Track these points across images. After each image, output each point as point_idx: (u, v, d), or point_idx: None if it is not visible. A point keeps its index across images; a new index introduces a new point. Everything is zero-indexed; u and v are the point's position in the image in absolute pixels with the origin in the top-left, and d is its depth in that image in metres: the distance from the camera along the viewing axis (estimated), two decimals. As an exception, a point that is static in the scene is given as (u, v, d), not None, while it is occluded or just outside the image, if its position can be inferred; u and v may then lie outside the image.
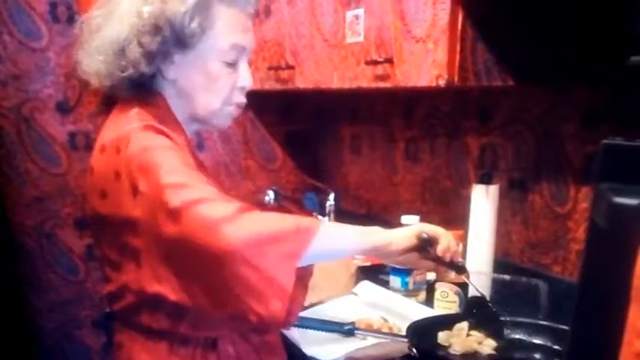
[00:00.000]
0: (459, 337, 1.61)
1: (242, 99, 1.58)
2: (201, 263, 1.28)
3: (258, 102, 3.08)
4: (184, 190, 1.28)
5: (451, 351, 1.57)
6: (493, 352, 1.56)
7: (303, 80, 2.35)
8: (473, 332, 1.63)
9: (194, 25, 1.44)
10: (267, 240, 1.26)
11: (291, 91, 2.51)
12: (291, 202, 2.81)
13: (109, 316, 1.56)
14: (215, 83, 1.51)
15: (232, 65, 1.52)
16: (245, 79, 1.55)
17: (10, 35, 2.63)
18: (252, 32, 1.56)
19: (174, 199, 1.27)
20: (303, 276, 1.35)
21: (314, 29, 2.23)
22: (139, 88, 1.51)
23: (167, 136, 1.41)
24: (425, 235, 1.53)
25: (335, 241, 1.44)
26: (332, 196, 2.77)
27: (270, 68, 2.55)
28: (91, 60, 1.50)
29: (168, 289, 1.34)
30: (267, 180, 3.14)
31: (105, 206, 1.42)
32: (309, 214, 2.81)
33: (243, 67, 1.55)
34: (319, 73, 2.24)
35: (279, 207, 2.71)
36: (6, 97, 2.66)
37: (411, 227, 1.56)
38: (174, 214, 1.27)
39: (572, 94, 1.85)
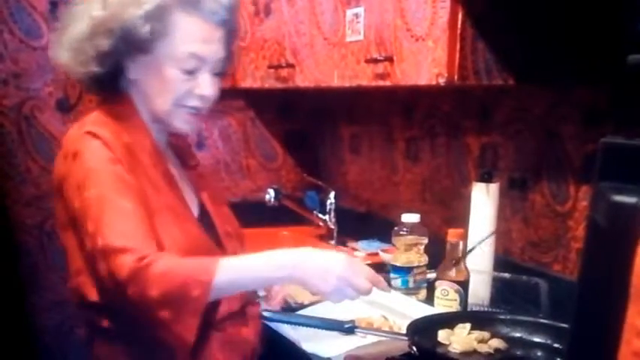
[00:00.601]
0: (460, 336, 1.61)
1: (197, 103, 1.57)
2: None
3: (258, 101, 3.09)
4: (100, 237, 1.37)
5: (451, 349, 1.57)
6: (491, 351, 1.56)
7: (303, 79, 2.35)
8: (475, 331, 1.63)
9: (146, 30, 1.46)
10: (166, 300, 1.34)
11: (291, 89, 2.51)
12: (291, 200, 2.81)
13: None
14: (168, 87, 1.53)
15: (190, 73, 1.52)
16: (204, 88, 1.55)
17: (10, 34, 2.62)
18: (217, 43, 1.55)
19: (97, 242, 1.37)
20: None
21: (314, 28, 2.24)
22: (105, 86, 1.57)
23: (111, 147, 1.45)
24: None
25: (239, 280, 1.45)
26: (332, 194, 2.77)
27: (270, 67, 2.55)
28: (61, 53, 1.56)
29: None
30: (268, 179, 3.14)
31: (59, 208, 1.53)
32: (309, 212, 2.81)
33: (204, 78, 1.55)
34: (319, 71, 2.24)
35: (279, 206, 2.70)
36: (6, 96, 2.66)
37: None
38: (96, 255, 1.38)
39: (573, 93, 1.85)
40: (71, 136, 1.53)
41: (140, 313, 1.37)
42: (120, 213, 1.40)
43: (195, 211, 1.66)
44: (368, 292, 1.50)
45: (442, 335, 1.60)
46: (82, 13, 1.52)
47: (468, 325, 1.63)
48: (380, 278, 1.54)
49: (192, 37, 1.51)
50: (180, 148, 1.77)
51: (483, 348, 1.57)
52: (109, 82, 1.57)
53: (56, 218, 1.56)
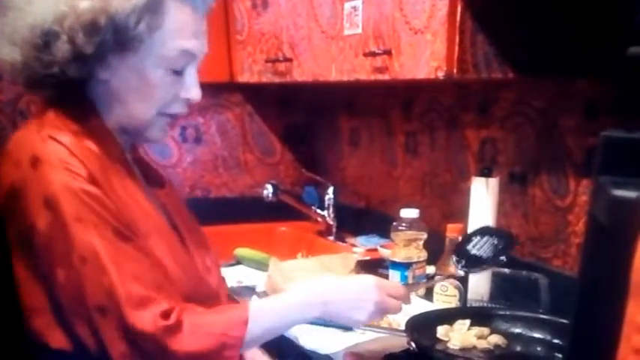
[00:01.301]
0: (459, 332, 1.60)
1: (181, 109, 1.38)
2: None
3: (256, 95, 3.08)
4: (106, 277, 1.18)
5: (450, 345, 1.56)
6: (491, 347, 1.55)
7: (301, 73, 2.34)
8: (474, 327, 1.62)
9: (142, 26, 1.23)
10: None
11: (289, 83, 2.49)
12: (289, 196, 2.80)
13: None
14: (153, 91, 1.31)
15: (178, 73, 1.32)
16: (191, 90, 1.35)
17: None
18: (204, 37, 1.35)
19: (96, 280, 1.18)
20: None
21: (312, 21, 2.22)
22: (64, 89, 1.29)
23: (79, 158, 1.21)
24: None
25: (272, 329, 1.35)
26: (331, 189, 2.76)
27: (267, 61, 2.53)
28: (4, 47, 1.26)
29: (78, 348, 1.23)
30: (266, 174, 3.13)
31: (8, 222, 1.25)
32: (307, 207, 2.80)
33: (191, 77, 1.34)
34: (317, 65, 2.22)
35: (278, 201, 2.69)
36: (1, 91, 2.64)
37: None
38: (91, 292, 1.18)
39: (573, 86, 1.83)
40: (26, 139, 1.26)
41: None
42: (121, 251, 1.21)
43: None
44: (399, 311, 1.46)
45: (441, 331, 1.59)
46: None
47: (467, 322, 1.62)
48: (406, 292, 1.48)
49: (184, 31, 1.29)
50: (143, 164, 1.52)
51: (482, 344, 1.56)
52: (71, 86, 1.29)
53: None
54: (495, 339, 1.57)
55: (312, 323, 1.63)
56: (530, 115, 1.99)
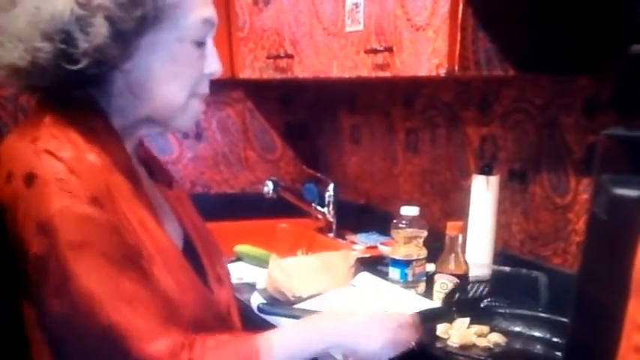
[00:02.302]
0: (459, 330, 1.60)
1: (207, 89, 1.28)
2: None
3: (257, 91, 3.07)
4: (110, 311, 1.07)
5: (450, 343, 1.56)
6: (490, 346, 1.55)
7: (302, 69, 2.33)
8: (474, 325, 1.62)
9: None
10: None
11: (290, 80, 2.49)
12: (290, 192, 2.80)
13: None
14: (183, 69, 1.21)
15: (201, 45, 1.23)
16: (213, 64, 1.26)
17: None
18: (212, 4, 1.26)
19: (99, 316, 1.07)
20: None
21: (313, 17, 2.21)
22: (82, 88, 1.17)
23: (78, 173, 1.08)
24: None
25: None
26: (331, 186, 2.76)
27: (268, 57, 2.53)
28: (13, 49, 1.11)
29: None
30: (267, 170, 3.13)
31: None
32: (308, 204, 2.79)
33: (211, 49, 1.26)
34: (318, 62, 2.22)
35: (278, 198, 2.69)
36: (3, 87, 2.63)
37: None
38: (95, 330, 1.08)
39: (574, 83, 1.83)
40: (19, 151, 1.12)
41: None
42: (122, 284, 1.10)
43: (179, 244, 1.32)
44: (410, 344, 1.39)
45: (441, 329, 1.59)
46: None
47: (467, 319, 1.62)
48: (417, 325, 1.41)
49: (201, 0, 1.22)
50: (150, 162, 1.42)
51: (482, 342, 1.56)
52: (89, 84, 1.17)
53: None
54: (495, 337, 1.57)
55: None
56: (530, 113, 1.99)
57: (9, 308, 1.15)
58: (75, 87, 1.15)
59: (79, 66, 1.09)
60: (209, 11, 1.23)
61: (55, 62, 1.09)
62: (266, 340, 1.21)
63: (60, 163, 1.08)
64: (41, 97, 1.20)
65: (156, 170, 1.42)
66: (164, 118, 1.25)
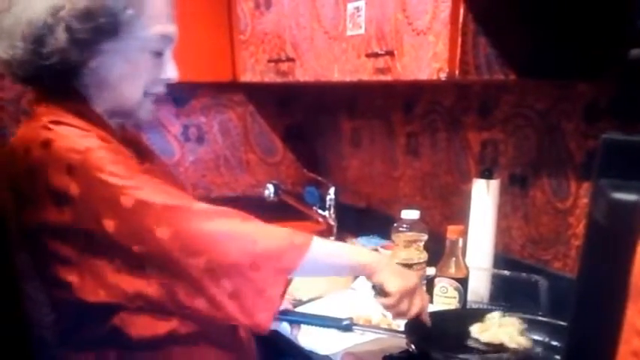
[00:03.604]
0: (491, 327, 1.60)
1: (161, 89, 1.50)
2: (180, 270, 1.25)
3: (258, 95, 3.08)
4: (155, 201, 1.26)
5: (480, 338, 1.57)
6: (519, 348, 1.54)
7: (303, 73, 2.33)
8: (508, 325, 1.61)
9: (128, 11, 1.33)
10: (262, 254, 1.27)
11: (291, 83, 2.49)
12: (291, 196, 2.80)
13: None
14: (140, 73, 1.42)
15: (159, 55, 1.44)
16: (169, 71, 1.47)
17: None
18: (174, 21, 1.47)
19: (147, 210, 1.25)
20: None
21: (314, 21, 2.22)
22: (58, 80, 1.37)
23: (84, 129, 1.33)
24: (375, 286, 1.47)
25: (326, 258, 1.40)
26: (332, 190, 2.76)
27: (270, 61, 2.53)
28: (1, 45, 1.35)
29: (121, 296, 1.29)
30: (267, 174, 3.13)
31: (23, 213, 1.33)
32: (308, 208, 2.80)
33: (168, 59, 1.47)
34: (319, 65, 2.22)
35: (279, 201, 2.69)
36: (4, 89, 2.64)
37: (395, 273, 1.48)
38: (149, 224, 1.24)
39: (575, 88, 1.83)
40: (29, 131, 1.34)
41: (222, 275, 1.26)
42: (152, 180, 1.32)
43: None
44: (413, 316, 1.49)
45: (475, 329, 1.59)
46: None
47: (496, 315, 1.62)
48: (427, 310, 1.54)
49: (161, 16, 1.41)
50: (135, 143, 1.59)
51: (512, 344, 1.55)
52: (63, 77, 1.37)
53: (23, 226, 1.35)
54: (524, 341, 1.56)
55: (308, 323, 1.63)
56: (531, 118, 1.99)
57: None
58: (52, 78, 1.35)
59: (49, 62, 1.31)
60: (168, 28, 1.43)
61: (29, 58, 1.32)
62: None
63: (66, 126, 1.32)
64: (37, 93, 1.43)
65: (142, 150, 1.60)
66: (125, 111, 1.47)
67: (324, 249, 1.39)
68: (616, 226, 0.74)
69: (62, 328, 1.41)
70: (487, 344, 1.56)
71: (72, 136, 1.30)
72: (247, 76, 2.72)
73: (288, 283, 1.33)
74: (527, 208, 2.04)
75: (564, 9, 1.62)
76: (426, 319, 1.53)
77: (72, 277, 1.31)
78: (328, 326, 1.69)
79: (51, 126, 1.31)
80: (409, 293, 1.45)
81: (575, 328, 0.84)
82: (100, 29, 1.32)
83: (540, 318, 1.65)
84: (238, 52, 2.74)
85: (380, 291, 1.45)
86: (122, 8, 1.32)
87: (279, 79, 2.51)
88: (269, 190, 2.66)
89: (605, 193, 0.74)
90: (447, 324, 1.60)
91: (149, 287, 1.28)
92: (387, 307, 1.47)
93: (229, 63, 2.77)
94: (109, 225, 1.25)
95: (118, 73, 1.40)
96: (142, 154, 1.57)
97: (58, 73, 1.35)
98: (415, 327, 1.52)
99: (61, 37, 1.30)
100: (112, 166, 1.27)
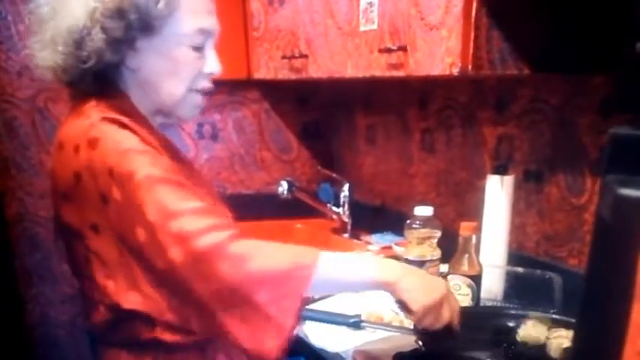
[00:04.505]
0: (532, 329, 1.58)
1: (207, 85, 1.49)
2: (192, 291, 1.23)
3: (273, 92, 3.07)
4: (172, 220, 1.22)
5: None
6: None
7: (317, 69, 2.33)
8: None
9: (161, 6, 1.34)
10: (267, 278, 1.22)
11: (306, 80, 2.48)
12: (305, 193, 2.79)
13: (89, 331, 1.48)
14: (181, 69, 1.42)
15: (199, 49, 1.43)
16: (212, 65, 1.46)
17: (25, 25, 2.61)
18: (215, 15, 1.47)
19: (168, 226, 1.22)
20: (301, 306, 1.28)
21: (328, 17, 2.21)
22: (100, 82, 1.39)
23: (131, 129, 1.32)
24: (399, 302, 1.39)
25: (338, 276, 1.32)
26: (346, 187, 2.75)
27: (283, 57, 2.53)
28: (46, 52, 1.37)
29: (153, 307, 1.28)
30: (282, 171, 3.12)
31: (68, 210, 1.34)
32: (322, 205, 2.79)
33: (210, 52, 1.46)
34: (333, 61, 2.21)
35: (293, 199, 2.68)
36: (20, 88, 2.66)
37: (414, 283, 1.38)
38: (164, 244, 1.22)
39: (590, 83, 1.81)
40: (78, 126, 1.34)
41: (229, 300, 1.22)
42: (182, 188, 1.28)
43: None
44: (440, 327, 1.41)
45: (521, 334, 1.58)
46: (66, 0, 1.34)
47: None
48: (457, 319, 1.44)
49: (199, 11, 1.41)
50: (168, 144, 1.57)
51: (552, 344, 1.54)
52: (106, 78, 1.40)
53: (67, 224, 1.35)
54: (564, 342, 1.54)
55: (316, 320, 1.62)
56: (546, 113, 1.97)
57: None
58: (94, 80, 1.37)
59: (88, 64, 1.33)
60: (207, 22, 1.43)
61: (71, 62, 1.35)
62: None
63: (113, 124, 1.31)
64: (83, 91, 1.41)
65: (173, 150, 1.55)
66: (169, 109, 1.46)
67: (335, 267, 1.31)
68: (622, 223, 0.72)
69: (100, 327, 1.40)
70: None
71: (116, 136, 1.30)
72: (261, 73, 2.72)
73: (301, 307, 1.27)
74: (541, 204, 2.02)
75: (578, 2, 1.60)
76: (456, 328, 1.44)
77: (109, 281, 1.31)
78: (335, 323, 1.68)
79: (99, 122, 1.31)
80: (435, 307, 1.37)
81: (582, 326, 0.83)
82: (132, 26, 1.33)
83: (555, 316, 1.63)
84: (252, 49, 2.74)
85: (403, 307, 1.38)
86: (153, 4, 1.33)
87: (292, 76, 2.51)
88: (283, 188, 2.65)
89: (612, 188, 0.73)
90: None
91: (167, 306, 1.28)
92: (414, 322, 1.41)
93: (244, 60, 2.76)
94: (141, 234, 1.24)
95: (157, 70, 1.41)
96: (174, 154, 1.53)
97: (98, 75, 1.37)
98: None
99: (97, 37, 1.32)
100: (145, 169, 1.26)
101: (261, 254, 1.24)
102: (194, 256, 1.20)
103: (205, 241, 1.21)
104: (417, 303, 1.34)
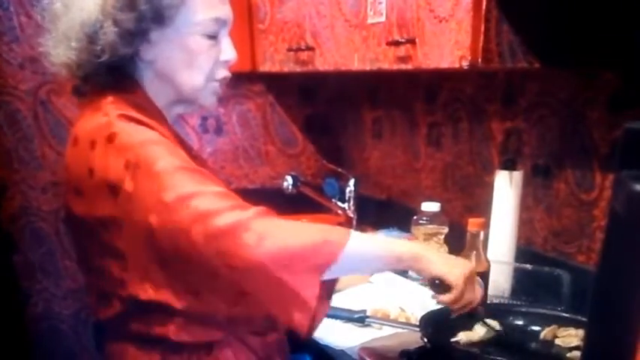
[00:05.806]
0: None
1: (226, 73, 1.49)
2: (214, 273, 1.23)
3: (277, 85, 3.05)
4: (194, 200, 1.22)
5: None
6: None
7: (323, 62, 2.30)
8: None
9: None
10: (293, 253, 1.21)
11: (312, 73, 2.46)
12: (310, 187, 2.77)
13: (97, 326, 1.49)
14: (196, 59, 1.42)
15: (213, 38, 1.43)
16: (228, 52, 1.47)
17: (27, 17, 2.60)
18: (228, 3, 1.47)
19: (185, 208, 1.21)
20: (328, 286, 1.29)
21: (335, 9, 2.18)
22: (115, 76, 1.40)
23: (147, 125, 1.33)
24: (437, 282, 1.37)
25: (363, 255, 1.33)
26: (352, 181, 2.73)
27: (289, 50, 2.50)
28: (60, 49, 1.39)
29: (170, 296, 1.29)
30: (287, 165, 3.11)
31: (80, 205, 1.35)
32: (328, 200, 2.77)
33: (225, 40, 1.46)
34: (340, 54, 2.19)
35: (298, 193, 2.66)
36: (23, 80, 2.64)
37: (444, 262, 1.39)
38: (185, 223, 1.21)
39: (599, 77, 1.79)
40: (94, 123, 1.35)
41: (250, 277, 1.22)
42: (201, 175, 1.29)
43: None
44: (470, 306, 1.42)
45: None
46: None
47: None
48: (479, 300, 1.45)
49: (212, 0, 1.42)
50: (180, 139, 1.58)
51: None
52: (119, 71, 1.40)
53: (80, 218, 1.36)
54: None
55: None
56: (554, 107, 1.95)
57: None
58: (109, 74, 1.38)
59: (102, 59, 1.34)
60: (221, 11, 1.43)
61: (85, 57, 1.36)
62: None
63: (130, 121, 1.32)
64: (100, 84, 1.41)
65: (186, 145, 1.56)
66: (189, 99, 1.47)
67: (365, 241, 1.34)
68: (636, 219, 0.70)
69: (111, 321, 1.41)
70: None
71: (134, 131, 1.31)
72: (267, 66, 2.70)
73: (333, 283, 1.31)
74: (550, 199, 2.00)
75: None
76: (480, 309, 1.47)
77: (125, 274, 1.32)
78: (340, 318, 1.67)
79: (116, 120, 1.32)
80: (471, 281, 1.39)
81: (594, 323, 0.81)
82: (144, 17, 1.33)
83: (563, 314, 1.62)
84: (258, 42, 2.72)
85: (440, 285, 1.37)
86: None
87: (298, 69, 2.49)
88: (287, 182, 2.63)
89: (626, 184, 0.71)
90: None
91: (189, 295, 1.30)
92: (452, 302, 1.39)
93: (248, 52, 2.74)
94: (154, 219, 1.23)
95: (173, 61, 1.41)
96: (187, 149, 1.53)
97: (113, 69, 1.38)
98: (429, 321, 1.50)
99: (109, 31, 1.32)
100: (164, 160, 1.27)
101: (284, 230, 1.24)
102: (216, 234, 1.20)
103: (228, 218, 1.20)
104: (455, 276, 1.35)
